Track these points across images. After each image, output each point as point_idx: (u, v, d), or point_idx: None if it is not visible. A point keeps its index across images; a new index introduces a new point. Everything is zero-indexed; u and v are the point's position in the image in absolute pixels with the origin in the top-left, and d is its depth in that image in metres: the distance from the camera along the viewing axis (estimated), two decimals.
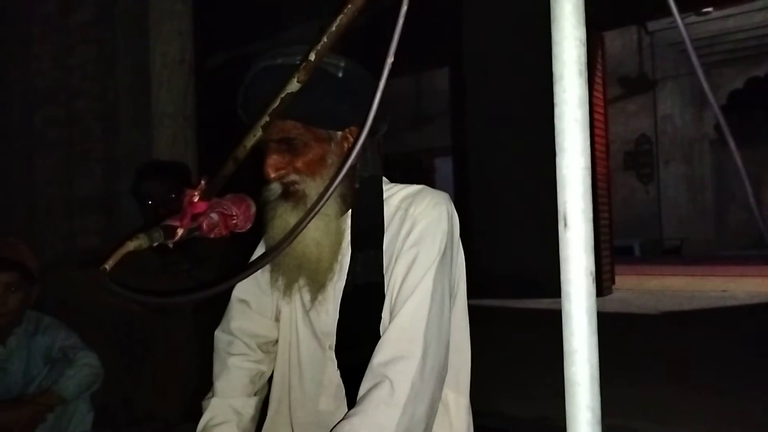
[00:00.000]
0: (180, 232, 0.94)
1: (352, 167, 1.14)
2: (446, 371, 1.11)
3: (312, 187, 1.10)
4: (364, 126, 0.63)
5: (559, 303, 0.60)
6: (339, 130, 1.13)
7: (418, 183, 1.22)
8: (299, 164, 1.10)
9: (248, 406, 1.26)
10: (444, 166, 10.75)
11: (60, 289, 2.28)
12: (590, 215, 0.60)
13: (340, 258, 1.15)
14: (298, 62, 1.05)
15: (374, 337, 1.08)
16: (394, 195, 1.18)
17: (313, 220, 0.96)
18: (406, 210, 1.14)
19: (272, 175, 1.11)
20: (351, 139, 1.14)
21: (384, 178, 1.23)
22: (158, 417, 2.13)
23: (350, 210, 1.17)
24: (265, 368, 1.30)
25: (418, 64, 7.81)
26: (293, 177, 1.10)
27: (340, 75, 1.08)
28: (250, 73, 1.11)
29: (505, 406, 2.81)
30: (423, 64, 8.07)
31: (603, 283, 6.46)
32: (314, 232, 1.10)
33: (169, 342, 2.14)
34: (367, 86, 1.11)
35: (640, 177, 13.27)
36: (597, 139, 6.44)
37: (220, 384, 1.25)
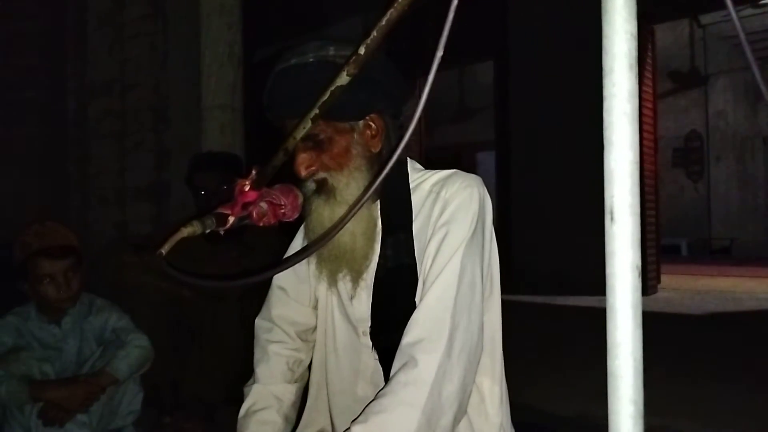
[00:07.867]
0: (231, 219, 0.98)
1: (378, 154, 1.17)
2: (480, 353, 1.10)
3: (340, 179, 1.12)
4: (410, 123, 0.65)
5: (604, 300, 0.60)
6: (360, 120, 1.15)
7: None
8: (326, 159, 1.12)
9: (288, 393, 1.29)
10: (486, 160, 10.64)
11: (113, 273, 2.36)
12: (637, 210, 0.60)
13: (374, 245, 1.17)
14: (311, 60, 1.07)
15: (408, 318, 1.09)
16: (426, 180, 1.20)
17: (344, 212, 0.98)
18: (438, 193, 1.16)
19: (303, 174, 1.13)
20: (373, 126, 1.15)
21: (418, 165, 1.25)
22: (204, 399, 2.19)
23: (379, 199, 1.19)
24: (304, 356, 1.33)
25: (462, 57, 7.73)
26: (322, 174, 1.13)
27: None
28: (270, 78, 1.14)
29: (546, 403, 2.79)
30: (468, 57, 7.98)
31: (648, 282, 6.31)
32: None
33: (216, 327, 2.20)
34: (382, 71, 1.12)
35: (690, 174, 12.84)
36: (645, 134, 6.27)
37: (260, 370, 1.29)
